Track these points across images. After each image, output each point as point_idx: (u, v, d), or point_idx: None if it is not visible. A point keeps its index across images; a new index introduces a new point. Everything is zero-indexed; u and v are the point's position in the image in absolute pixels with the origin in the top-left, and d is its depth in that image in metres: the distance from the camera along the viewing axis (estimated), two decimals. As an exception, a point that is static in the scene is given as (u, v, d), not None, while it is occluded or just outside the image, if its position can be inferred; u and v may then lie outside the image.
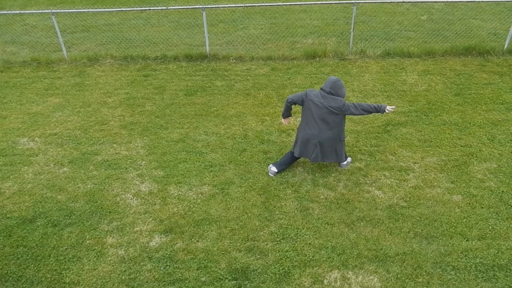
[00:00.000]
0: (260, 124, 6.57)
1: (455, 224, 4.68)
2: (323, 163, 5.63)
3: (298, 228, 4.72)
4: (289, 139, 6.17)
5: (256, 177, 5.47)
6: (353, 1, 8.35)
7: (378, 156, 5.77)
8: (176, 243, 4.60)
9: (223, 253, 4.46)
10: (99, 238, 4.72)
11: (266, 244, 4.54)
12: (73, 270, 4.36)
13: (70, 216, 5.02)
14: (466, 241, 4.49)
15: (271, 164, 5.50)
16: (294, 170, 5.55)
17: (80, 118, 6.96)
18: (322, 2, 9.92)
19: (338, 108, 4.88)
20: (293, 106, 5.30)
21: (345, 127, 5.16)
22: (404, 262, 4.28)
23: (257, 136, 6.26)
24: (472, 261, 4.27)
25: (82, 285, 4.20)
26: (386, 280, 4.12)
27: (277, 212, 4.94)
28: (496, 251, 4.36)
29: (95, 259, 4.47)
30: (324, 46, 9.03)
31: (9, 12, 9.43)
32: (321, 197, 5.12)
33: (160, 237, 4.69)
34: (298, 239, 4.59)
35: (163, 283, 4.19)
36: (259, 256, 4.41)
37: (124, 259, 4.45)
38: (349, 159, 5.60)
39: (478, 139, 6.02)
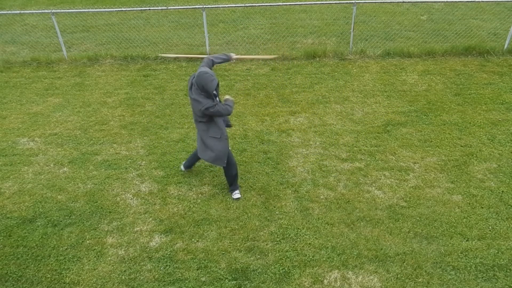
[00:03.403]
0: (260, 124, 6.56)
1: (455, 224, 4.68)
2: (323, 164, 5.64)
3: (298, 228, 4.72)
4: (289, 139, 6.17)
5: (256, 177, 5.46)
6: (353, 1, 8.35)
7: (378, 156, 5.77)
8: (176, 243, 4.60)
9: (223, 253, 4.46)
10: (99, 238, 4.72)
11: (266, 244, 4.54)
12: (73, 270, 4.36)
13: (70, 216, 5.02)
14: (466, 241, 4.49)
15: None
16: (294, 170, 5.55)
17: (80, 118, 6.96)
18: (322, 2, 9.91)
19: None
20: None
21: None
22: (404, 262, 4.28)
23: (257, 136, 6.26)
24: (472, 261, 4.27)
25: (82, 285, 4.20)
26: (386, 280, 4.12)
27: (277, 212, 4.94)
28: (496, 251, 4.36)
29: (95, 259, 4.47)
30: (324, 46, 9.03)
31: (9, 12, 9.43)
32: (321, 197, 5.12)
33: (160, 237, 4.69)
34: (298, 239, 4.59)
35: (163, 283, 4.19)
36: (259, 256, 4.41)
37: (124, 259, 4.45)
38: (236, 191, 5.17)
39: (478, 139, 6.02)
